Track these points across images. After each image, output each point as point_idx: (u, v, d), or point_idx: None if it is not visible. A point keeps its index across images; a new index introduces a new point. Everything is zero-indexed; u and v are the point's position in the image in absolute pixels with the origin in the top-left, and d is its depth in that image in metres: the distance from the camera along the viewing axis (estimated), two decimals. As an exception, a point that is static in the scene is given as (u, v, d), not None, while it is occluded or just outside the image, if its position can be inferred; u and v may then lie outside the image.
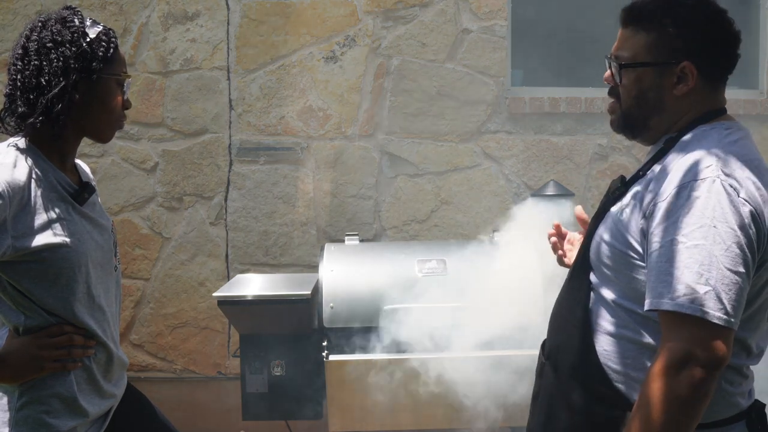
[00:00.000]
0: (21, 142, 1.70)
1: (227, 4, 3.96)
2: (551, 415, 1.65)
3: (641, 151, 4.09)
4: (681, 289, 1.37)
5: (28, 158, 1.67)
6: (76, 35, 1.69)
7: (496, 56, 4.03)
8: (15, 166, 1.63)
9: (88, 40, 1.70)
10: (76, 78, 1.68)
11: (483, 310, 2.82)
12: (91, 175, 1.97)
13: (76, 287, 1.69)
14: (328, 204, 4.02)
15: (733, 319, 1.37)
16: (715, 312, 1.35)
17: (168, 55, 3.96)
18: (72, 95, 1.67)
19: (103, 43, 1.72)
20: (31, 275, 1.65)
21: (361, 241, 3.34)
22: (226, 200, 4.00)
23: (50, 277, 1.66)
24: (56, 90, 1.66)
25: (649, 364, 1.47)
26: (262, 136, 4.00)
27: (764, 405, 1.58)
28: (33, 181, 1.65)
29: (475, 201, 4.03)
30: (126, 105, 1.80)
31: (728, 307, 1.36)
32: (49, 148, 1.72)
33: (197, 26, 3.96)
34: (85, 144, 3.99)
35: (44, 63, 1.67)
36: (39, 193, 1.65)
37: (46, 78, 1.66)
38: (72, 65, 1.67)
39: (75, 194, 1.74)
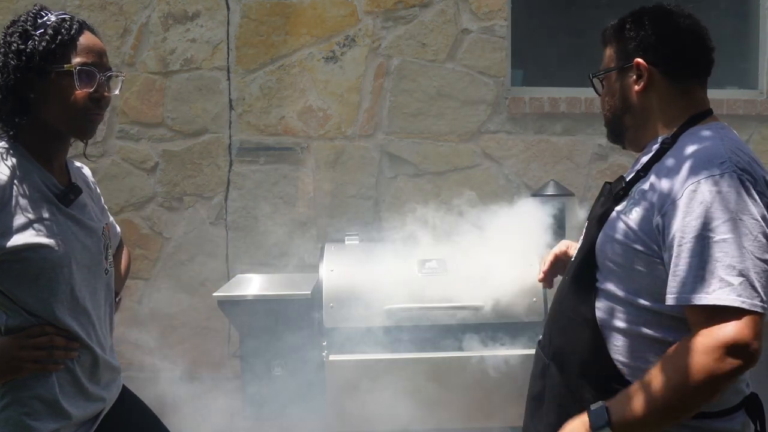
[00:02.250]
0: (6, 143, 1.69)
1: (227, 4, 3.96)
2: (562, 414, 1.66)
3: (641, 151, 4.09)
4: (715, 283, 1.40)
5: (12, 159, 1.66)
6: (17, 34, 1.67)
7: (496, 56, 4.03)
8: None
9: (33, 36, 1.66)
10: (19, 76, 1.64)
11: (483, 310, 2.82)
12: (89, 177, 1.95)
13: (58, 288, 1.68)
14: (328, 204, 4.02)
15: (765, 305, 1.41)
16: (752, 300, 1.38)
17: (168, 55, 3.96)
18: (23, 94, 1.65)
19: (47, 37, 1.66)
20: (11, 275, 1.64)
21: (361, 241, 3.34)
22: (226, 200, 4.00)
23: (30, 278, 1.64)
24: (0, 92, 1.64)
25: (658, 358, 1.50)
26: (262, 136, 4.00)
27: (756, 394, 1.63)
28: (15, 181, 1.64)
29: (475, 201, 4.03)
30: (95, 97, 1.71)
31: (762, 294, 1.40)
32: (35, 149, 1.70)
33: (197, 26, 3.96)
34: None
35: None
36: (21, 193, 1.64)
37: None
38: (11, 64, 1.64)
39: (60, 195, 1.72)
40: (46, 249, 1.64)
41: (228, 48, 3.97)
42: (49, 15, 1.71)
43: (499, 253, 2.95)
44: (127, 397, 1.99)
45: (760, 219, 1.43)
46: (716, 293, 1.39)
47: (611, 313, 1.60)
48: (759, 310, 1.39)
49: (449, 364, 2.78)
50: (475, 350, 2.80)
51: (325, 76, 3.98)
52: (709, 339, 1.41)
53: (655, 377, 1.45)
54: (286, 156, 4.00)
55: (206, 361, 4.02)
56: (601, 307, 1.61)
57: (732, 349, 1.39)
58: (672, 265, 1.47)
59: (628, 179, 1.66)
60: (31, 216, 1.64)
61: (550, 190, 3.33)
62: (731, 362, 1.38)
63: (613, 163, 4.10)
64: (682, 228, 1.45)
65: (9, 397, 1.67)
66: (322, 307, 2.86)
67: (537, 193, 3.40)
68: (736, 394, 1.57)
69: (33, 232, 1.63)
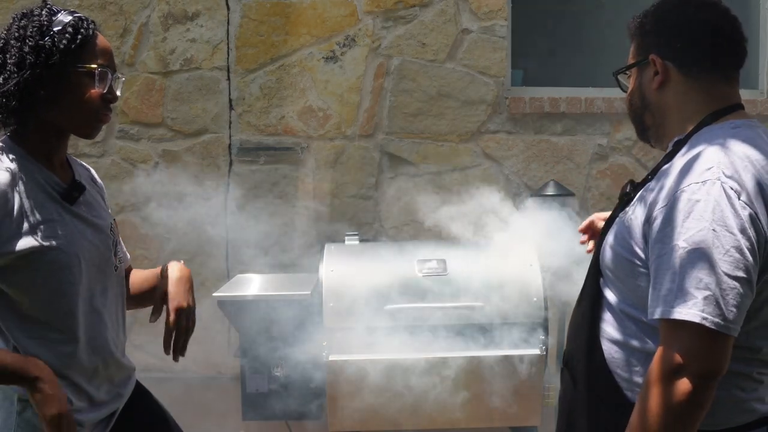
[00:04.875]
0: (3, 143, 1.65)
1: (227, 4, 3.96)
2: (571, 422, 1.64)
3: (641, 152, 4.09)
4: (680, 295, 1.34)
5: (12, 159, 1.62)
6: (35, 29, 1.62)
7: (496, 56, 4.03)
8: None
9: (51, 33, 1.63)
10: (37, 72, 1.60)
11: (483, 310, 2.82)
12: (94, 174, 1.92)
13: (68, 290, 1.65)
14: (328, 204, 4.02)
15: (731, 325, 1.33)
16: (713, 318, 1.32)
17: (168, 55, 3.96)
18: (34, 90, 1.61)
19: (67, 35, 1.63)
20: (20, 279, 1.60)
21: (361, 241, 3.33)
22: (226, 200, 4.00)
23: (40, 281, 1.61)
24: (11, 86, 1.60)
25: None
26: (262, 136, 3.99)
27: None
28: (17, 182, 1.60)
29: (475, 201, 4.02)
30: (107, 98, 1.69)
31: (726, 313, 1.32)
32: (34, 147, 1.67)
33: (197, 26, 3.96)
34: (85, 144, 3.99)
35: (7, 60, 1.62)
36: (25, 194, 1.60)
37: (6, 75, 1.61)
38: (29, 60, 1.60)
39: (64, 194, 1.68)
40: (55, 251, 1.61)
41: (228, 48, 3.97)
42: (63, 12, 1.68)
43: (499, 253, 2.95)
44: (142, 395, 1.96)
45: (737, 232, 1.34)
46: (679, 307, 1.33)
47: (611, 324, 1.55)
48: (716, 328, 1.32)
49: (449, 364, 2.78)
50: (475, 350, 2.80)
51: (325, 76, 3.98)
52: (653, 371, 1.36)
53: (631, 422, 1.41)
54: (286, 156, 4.00)
55: (206, 361, 4.02)
56: (603, 316, 1.57)
57: (676, 371, 1.33)
58: (651, 278, 1.42)
59: (637, 183, 1.59)
60: (36, 218, 1.61)
61: (550, 190, 3.33)
62: (681, 385, 1.33)
63: (613, 163, 4.10)
64: (661, 238, 1.39)
65: (27, 400, 1.63)
66: (322, 307, 2.86)
67: (537, 193, 3.40)
68: (743, 413, 1.47)
69: (39, 234, 1.60)
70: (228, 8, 3.96)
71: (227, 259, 4.02)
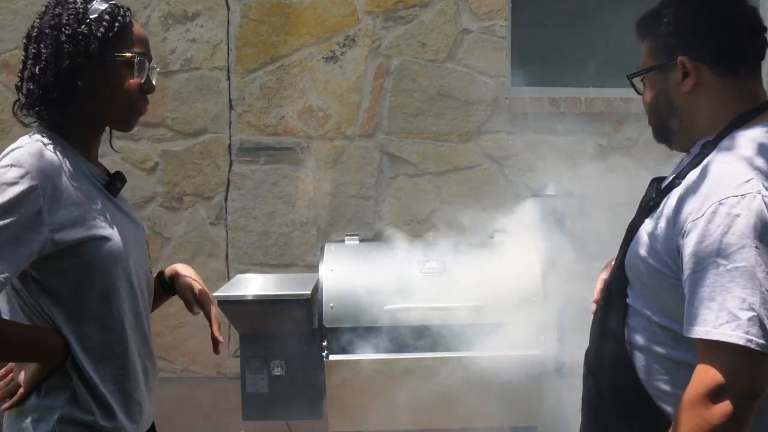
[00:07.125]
0: (47, 136, 1.56)
1: (227, 4, 3.96)
2: (595, 429, 1.62)
3: (641, 152, 4.08)
4: (723, 315, 1.30)
5: (56, 148, 1.53)
6: (71, 17, 1.56)
7: (496, 56, 4.03)
8: (42, 155, 1.49)
9: (86, 21, 1.56)
10: (75, 62, 1.54)
11: (483, 310, 2.82)
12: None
13: (119, 284, 1.57)
14: (328, 204, 4.02)
15: None
16: (759, 339, 1.28)
17: (168, 55, 3.96)
18: (72, 81, 1.54)
19: (104, 23, 1.56)
20: (71, 273, 1.52)
21: (361, 241, 3.34)
22: (226, 200, 4.00)
23: (92, 274, 1.53)
24: (50, 77, 1.54)
25: (686, 382, 1.39)
26: (262, 136, 4.00)
27: None
28: (64, 170, 1.52)
29: (475, 201, 4.03)
30: (145, 89, 1.63)
31: None
32: (75, 140, 1.60)
33: (197, 26, 3.96)
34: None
35: (42, 50, 1.55)
36: (73, 185, 1.52)
37: (42, 65, 1.55)
38: (66, 49, 1.54)
39: (107, 185, 1.63)
40: (107, 241, 1.54)
41: (228, 48, 3.97)
42: (97, 0, 1.61)
43: (499, 253, 2.95)
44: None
45: None
46: (722, 327, 1.29)
47: (639, 332, 1.51)
48: (763, 350, 1.28)
49: (449, 364, 2.78)
50: (475, 350, 2.80)
51: (325, 76, 3.98)
52: (693, 390, 1.32)
53: None
54: (286, 156, 4.00)
55: (206, 361, 4.02)
56: (630, 324, 1.52)
57: (718, 392, 1.29)
58: (687, 293, 1.36)
59: (663, 186, 1.52)
60: (85, 208, 1.53)
61: (550, 190, 3.34)
62: (723, 407, 1.29)
63: (613, 163, 4.09)
64: (698, 253, 1.34)
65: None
66: (322, 307, 2.86)
67: (537, 193, 3.40)
68: None
69: (91, 224, 1.52)
70: (228, 8, 3.96)
71: (227, 259, 4.02)
